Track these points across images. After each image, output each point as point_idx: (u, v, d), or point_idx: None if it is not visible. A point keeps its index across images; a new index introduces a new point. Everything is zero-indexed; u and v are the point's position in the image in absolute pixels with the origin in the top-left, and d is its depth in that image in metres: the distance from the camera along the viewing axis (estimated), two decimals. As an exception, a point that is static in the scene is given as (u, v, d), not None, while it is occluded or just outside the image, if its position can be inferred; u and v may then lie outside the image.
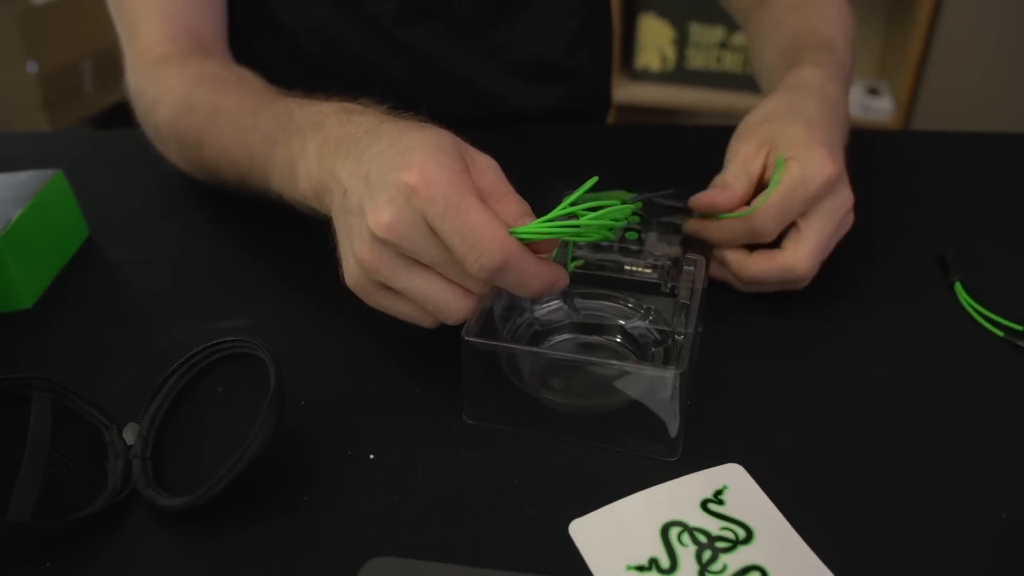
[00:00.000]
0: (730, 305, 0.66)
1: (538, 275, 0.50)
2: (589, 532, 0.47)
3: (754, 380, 0.59)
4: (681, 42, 2.37)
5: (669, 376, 0.49)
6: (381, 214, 0.49)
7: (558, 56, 1.04)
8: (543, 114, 1.05)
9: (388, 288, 0.53)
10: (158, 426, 0.53)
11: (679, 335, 0.53)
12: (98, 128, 2.54)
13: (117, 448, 0.52)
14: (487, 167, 0.52)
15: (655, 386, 0.51)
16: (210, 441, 0.52)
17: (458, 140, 0.52)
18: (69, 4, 2.38)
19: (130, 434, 0.53)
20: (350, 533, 0.48)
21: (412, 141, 0.51)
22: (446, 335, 0.52)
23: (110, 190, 0.87)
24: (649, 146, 0.97)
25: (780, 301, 0.66)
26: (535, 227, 0.50)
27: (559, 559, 0.46)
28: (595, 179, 0.52)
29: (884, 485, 0.51)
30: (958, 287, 0.68)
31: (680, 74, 2.43)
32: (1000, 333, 0.63)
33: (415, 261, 0.51)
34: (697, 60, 2.39)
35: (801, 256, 0.62)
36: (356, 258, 0.52)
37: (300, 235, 0.68)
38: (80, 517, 0.47)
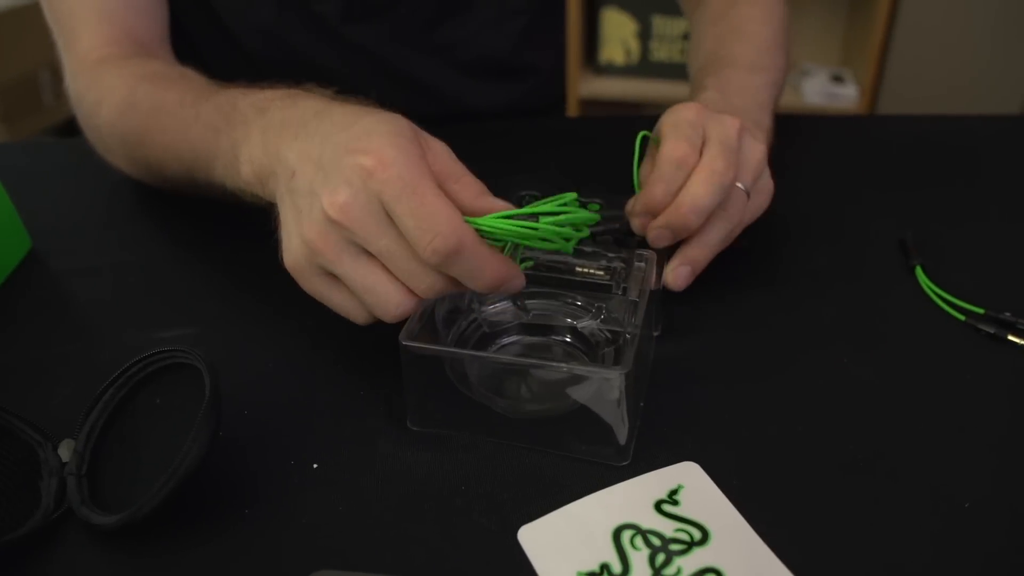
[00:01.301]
0: (687, 294, 0.64)
1: (491, 267, 0.49)
2: (538, 538, 0.45)
3: (712, 371, 0.58)
4: (644, 35, 2.36)
5: (615, 376, 0.47)
6: (337, 195, 0.48)
7: (507, 54, 1.03)
8: (498, 112, 1.04)
9: (328, 275, 0.52)
10: (95, 442, 0.51)
11: (630, 334, 0.51)
12: (59, 139, 2.50)
13: (52, 466, 0.50)
14: (441, 151, 0.52)
15: (603, 388, 0.49)
16: (148, 455, 0.50)
17: (413, 124, 0.52)
18: (24, 13, 2.34)
19: (66, 451, 0.51)
20: (293, 545, 0.46)
21: (368, 125, 0.50)
22: (392, 340, 0.50)
23: (55, 200, 0.84)
24: (606, 139, 0.95)
25: (738, 287, 0.65)
26: (492, 220, 0.49)
27: (508, 567, 0.44)
28: (574, 195, 0.52)
29: (845, 478, 0.50)
30: (919, 271, 0.67)
31: (644, 67, 2.41)
32: (961, 317, 0.62)
33: (363, 250, 0.50)
34: (661, 52, 2.38)
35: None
36: (303, 238, 0.50)
37: (246, 242, 0.66)
38: (9, 539, 0.45)
